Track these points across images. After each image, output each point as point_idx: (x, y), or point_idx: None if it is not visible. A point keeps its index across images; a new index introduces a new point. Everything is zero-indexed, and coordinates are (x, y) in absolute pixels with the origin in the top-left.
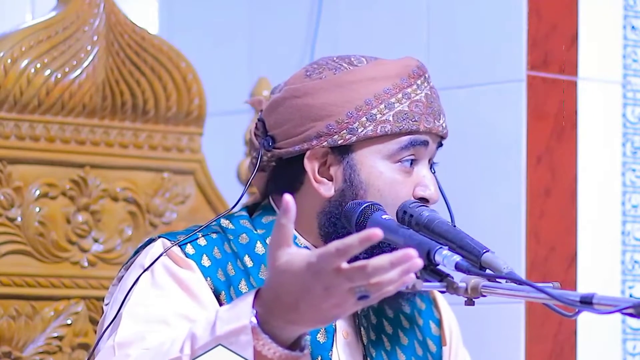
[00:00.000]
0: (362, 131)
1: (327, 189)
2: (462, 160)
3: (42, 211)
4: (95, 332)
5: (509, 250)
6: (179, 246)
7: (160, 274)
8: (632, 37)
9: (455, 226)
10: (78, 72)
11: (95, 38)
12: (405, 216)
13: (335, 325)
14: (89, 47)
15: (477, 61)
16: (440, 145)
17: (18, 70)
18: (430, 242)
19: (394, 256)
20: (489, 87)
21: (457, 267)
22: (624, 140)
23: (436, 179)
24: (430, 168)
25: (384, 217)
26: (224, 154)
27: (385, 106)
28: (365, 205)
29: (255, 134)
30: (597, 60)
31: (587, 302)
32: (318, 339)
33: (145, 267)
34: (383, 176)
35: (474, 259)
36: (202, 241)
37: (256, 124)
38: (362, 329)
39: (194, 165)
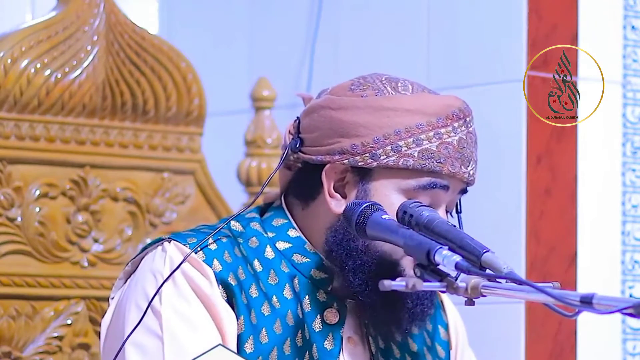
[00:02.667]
0: (384, 159)
1: (338, 205)
2: None
3: (42, 211)
4: (96, 332)
5: (509, 250)
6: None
7: (183, 287)
8: (632, 37)
9: (455, 226)
10: (78, 72)
11: (95, 38)
12: (405, 216)
13: (342, 332)
14: (89, 47)
15: (477, 61)
16: (464, 192)
17: (18, 70)
18: (430, 242)
19: None
20: (489, 87)
21: (457, 267)
22: (624, 140)
23: (460, 222)
24: (456, 212)
25: (383, 217)
26: (224, 154)
27: (413, 141)
28: (365, 205)
29: (289, 131)
30: (597, 60)
31: (587, 302)
32: (326, 346)
33: (166, 277)
34: (393, 208)
35: (474, 259)
36: (212, 245)
37: (295, 121)
38: (369, 337)
39: (194, 165)
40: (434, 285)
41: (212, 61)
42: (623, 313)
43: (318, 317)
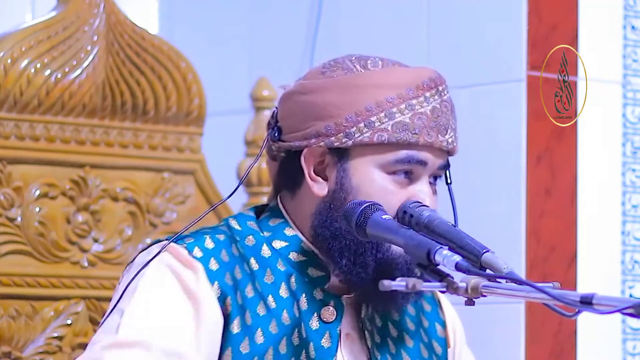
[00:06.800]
0: (358, 137)
1: (321, 188)
2: (462, 160)
3: (42, 211)
4: (96, 332)
5: (509, 250)
6: (186, 249)
7: (164, 274)
8: (632, 37)
9: (455, 226)
10: (78, 72)
11: (95, 38)
12: (405, 216)
13: (339, 329)
14: (89, 47)
15: (477, 61)
16: (447, 163)
17: (18, 70)
18: (430, 242)
19: None
20: (489, 87)
21: (457, 267)
22: (624, 140)
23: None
24: (436, 180)
25: (384, 217)
26: (224, 154)
27: (385, 115)
28: (366, 205)
29: (268, 122)
30: (597, 60)
31: (587, 302)
32: (323, 344)
33: (146, 262)
34: (374, 184)
35: (474, 259)
36: (209, 244)
37: (273, 111)
38: (366, 332)
39: (194, 165)
40: (434, 285)
41: (212, 61)
42: (623, 313)
43: (315, 315)
